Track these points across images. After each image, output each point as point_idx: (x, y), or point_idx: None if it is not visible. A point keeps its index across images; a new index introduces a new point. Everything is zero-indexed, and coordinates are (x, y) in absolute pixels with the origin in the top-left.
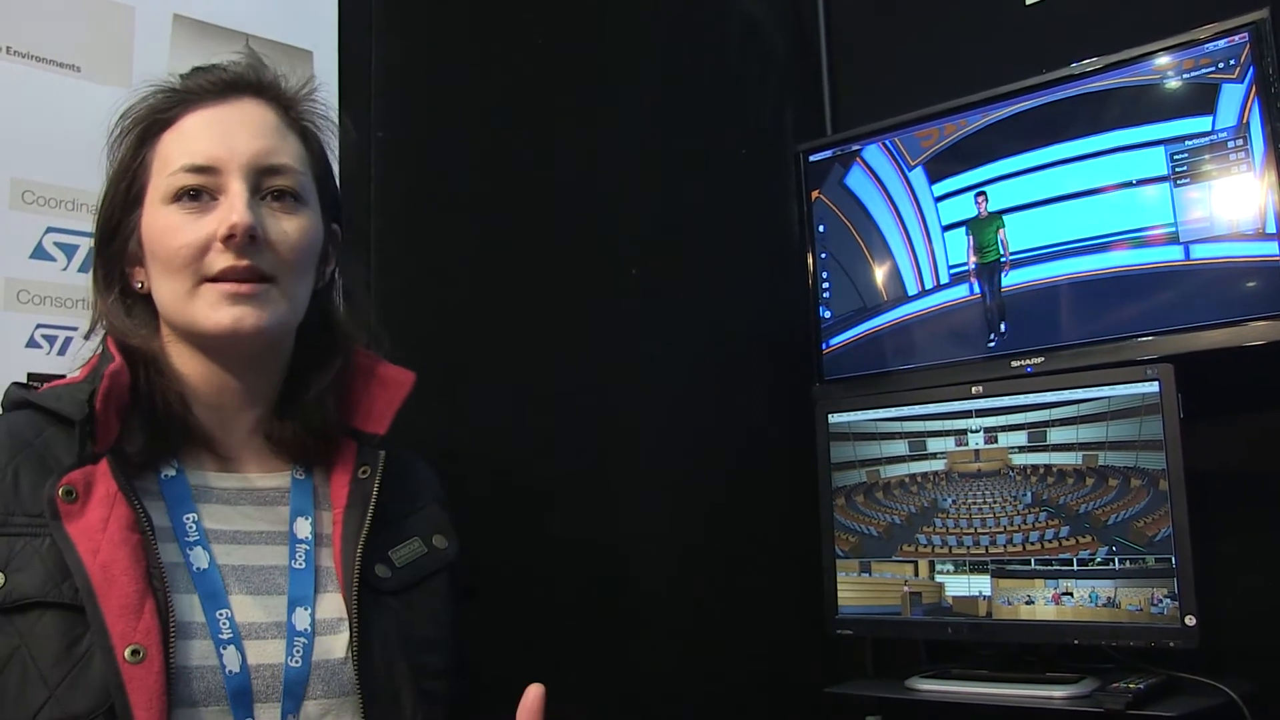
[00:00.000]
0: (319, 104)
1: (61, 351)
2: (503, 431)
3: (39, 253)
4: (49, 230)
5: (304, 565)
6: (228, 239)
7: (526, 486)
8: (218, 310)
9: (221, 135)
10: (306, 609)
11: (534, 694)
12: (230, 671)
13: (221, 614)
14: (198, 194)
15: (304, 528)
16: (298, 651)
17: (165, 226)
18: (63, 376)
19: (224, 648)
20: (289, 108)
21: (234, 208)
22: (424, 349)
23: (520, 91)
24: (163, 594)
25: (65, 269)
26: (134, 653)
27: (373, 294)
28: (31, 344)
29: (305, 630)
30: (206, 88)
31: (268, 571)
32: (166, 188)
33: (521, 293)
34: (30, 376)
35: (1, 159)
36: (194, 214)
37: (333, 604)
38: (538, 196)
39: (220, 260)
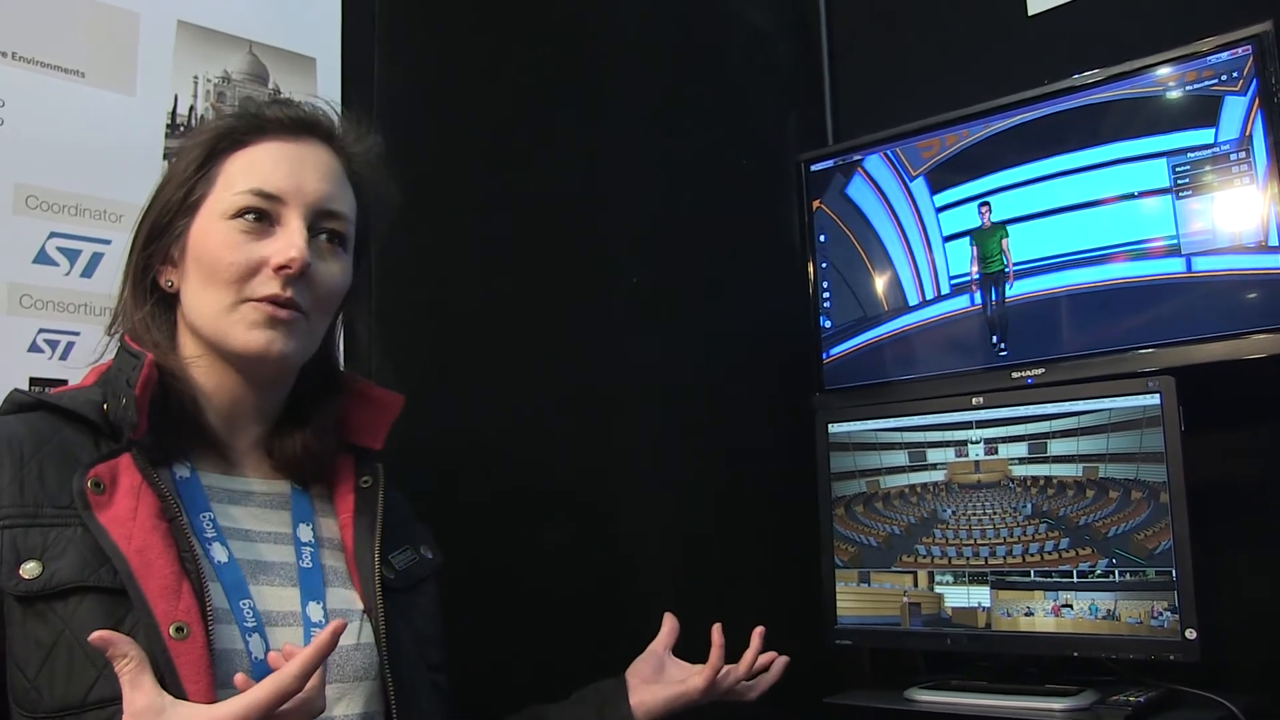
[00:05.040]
0: (376, 165)
1: (64, 356)
2: (503, 439)
3: (42, 258)
4: (52, 235)
5: (310, 565)
6: (281, 269)
7: (526, 494)
8: (254, 331)
9: (292, 170)
10: (318, 603)
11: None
12: (256, 658)
13: (245, 603)
14: (260, 216)
15: (306, 532)
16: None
17: (221, 241)
18: (65, 382)
19: (249, 635)
20: (351, 159)
21: (294, 243)
22: (425, 356)
23: (523, 99)
24: (196, 577)
25: (68, 274)
26: (178, 629)
27: (371, 327)
28: (34, 348)
29: (320, 621)
30: (284, 121)
31: (279, 567)
32: (229, 204)
33: (523, 300)
34: (32, 381)
35: (5, 164)
36: (251, 235)
37: (342, 597)
38: (540, 204)
39: (267, 285)
